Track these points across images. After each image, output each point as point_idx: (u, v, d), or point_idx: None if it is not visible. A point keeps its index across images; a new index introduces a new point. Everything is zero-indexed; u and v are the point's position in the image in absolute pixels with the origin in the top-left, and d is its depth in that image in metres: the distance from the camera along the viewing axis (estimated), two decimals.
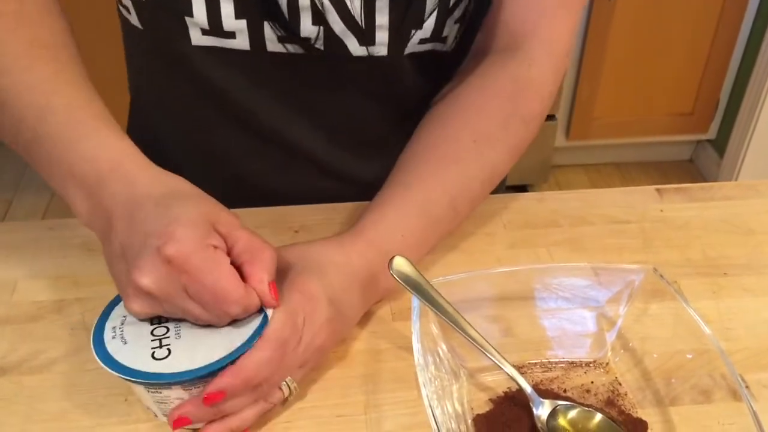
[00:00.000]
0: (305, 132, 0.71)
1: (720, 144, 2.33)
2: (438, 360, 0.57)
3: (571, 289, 0.60)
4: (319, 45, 0.63)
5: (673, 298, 0.57)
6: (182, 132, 0.62)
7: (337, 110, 0.71)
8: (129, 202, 0.49)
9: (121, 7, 0.67)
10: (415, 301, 0.56)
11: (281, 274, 0.54)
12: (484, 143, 0.64)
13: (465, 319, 0.56)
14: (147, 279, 0.46)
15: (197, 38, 0.62)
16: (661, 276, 0.58)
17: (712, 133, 2.33)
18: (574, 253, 0.69)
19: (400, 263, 0.56)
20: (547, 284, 0.60)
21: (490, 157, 0.64)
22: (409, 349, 0.60)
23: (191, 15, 0.60)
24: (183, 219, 0.47)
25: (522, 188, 2.32)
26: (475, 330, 0.56)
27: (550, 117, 2.17)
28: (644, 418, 0.55)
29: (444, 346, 0.58)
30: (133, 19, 0.65)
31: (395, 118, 0.72)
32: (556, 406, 0.55)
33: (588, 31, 2.05)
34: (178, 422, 0.50)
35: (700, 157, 2.43)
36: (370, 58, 0.64)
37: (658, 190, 0.77)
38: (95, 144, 0.51)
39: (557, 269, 0.61)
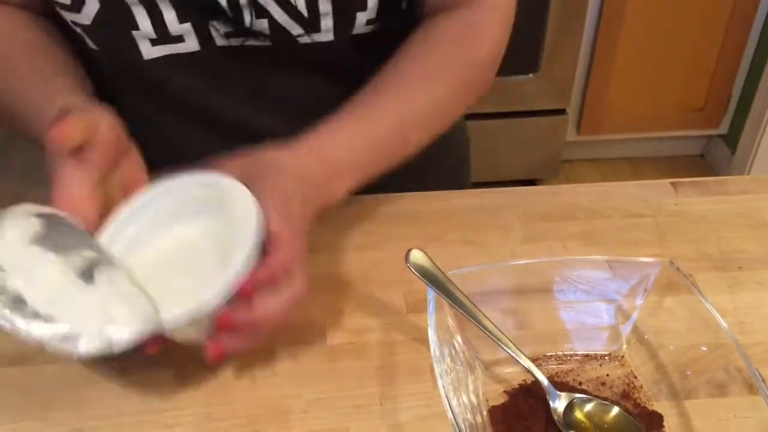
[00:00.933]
0: (267, 121, 0.72)
1: (732, 139, 2.32)
2: (453, 352, 0.57)
3: (586, 282, 0.60)
4: (265, 38, 0.64)
5: (688, 291, 0.57)
6: (149, 139, 0.63)
7: (295, 95, 0.72)
8: None
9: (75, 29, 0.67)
10: (431, 294, 0.56)
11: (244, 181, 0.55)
12: (432, 79, 0.66)
13: (481, 312, 0.56)
14: None
15: (148, 51, 0.64)
16: (678, 269, 0.58)
17: (723, 128, 2.32)
18: (589, 247, 0.69)
19: (417, 256, 0.57)
20: (562, 277, 0.60)
21: (438, 92, 0.67)
22: (424, 341, 0.60)
23: (137, 28, 0.62)
24: None
25: (531, 183, 2.32)
26: (491, 322, 0.56)
27: (561, 111, 2.17)
28: (659, 411, 0.55)
29: (459, 339, 0.58)
30: (89, 42, 0.65)
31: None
32: (572, 399, 0.55)
33: (600, 24, 2.05)
34: (219, 352, 0.52)
35: (711, 152, 2.42)
36: (318, 44, 0.65)
37: (673, 183, 0.77)
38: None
39: (572, 262, 0.61)
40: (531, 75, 2.06)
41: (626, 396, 0.57)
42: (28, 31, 0.66)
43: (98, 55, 0.66)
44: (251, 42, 0.65)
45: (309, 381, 0.58)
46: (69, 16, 0.62)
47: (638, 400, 0.56)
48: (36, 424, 0.54)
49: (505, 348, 0.56)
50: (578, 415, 0.54)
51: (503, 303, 0.61)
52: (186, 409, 0.55)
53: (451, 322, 0.58)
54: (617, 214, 0.73)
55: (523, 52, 2.01)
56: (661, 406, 0.56)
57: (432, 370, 0.58)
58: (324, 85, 0.72)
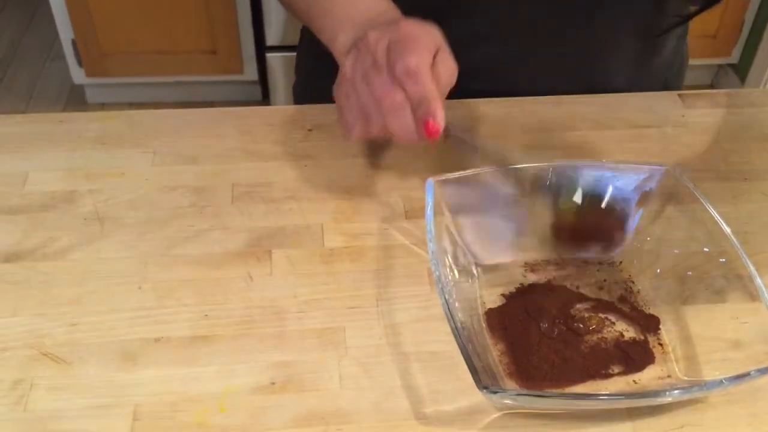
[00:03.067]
0: None
1: (742, 69, 2.27)
2: (451, 258, 0.57)
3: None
4: None
5: (690, 200, 0.56)
6: None
7: None
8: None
9: None
10: (429, 197, 0.55)
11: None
12: None
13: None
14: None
15: None
16: (680, 175, 0.57)
17: (734, 57, 2.27)
18: (592, 156, 0.68)
19: None
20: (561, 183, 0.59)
21: None
22: (421, 245, 0.60)
23: None
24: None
25: None
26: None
27: None
28: (656, 315, 0.55)
29: (459, 241, 0.58)
30: None
31: None
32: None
33: None
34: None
35: (721, 82, 2.38)
36: None
37: (680, 95, 0.75)
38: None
39: (572, 167, 0.60)
40: None
41: (623, 300, 0.56)
42: None
43: None
44: None
45: (305, 282, 0.57)
46: None
47: (635, 304, 0.56)
48: (31, 320, 0.54)
49: None
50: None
51: (503, 208, 0.60)
52: (181, 307, 0.55)
53: (449, 228, 0.58)
54: (622, 124, 0.72)
55: None
56: (658, 310, 0.56)
57: (429, 273, 0.58)
58: None
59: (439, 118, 0.51)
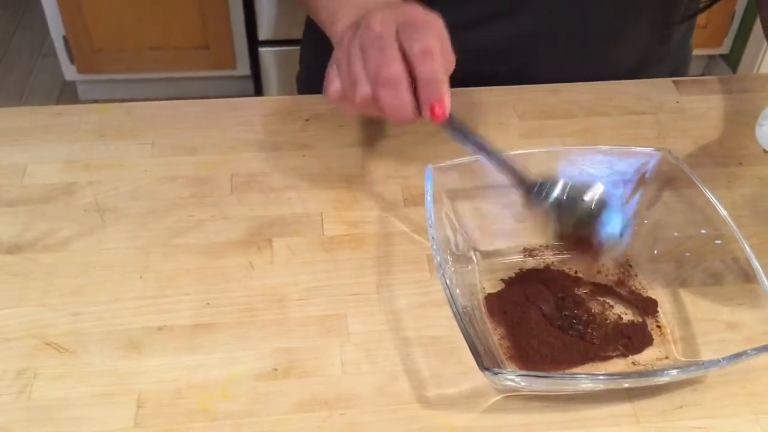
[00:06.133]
0: None
1: (733, 59, 2.29)
2: (451, 244, 0.57)
3: (581, 173, 0.60)
4: None
5: (687, 185, 0.57)
6: None
7: None
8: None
9: None
10: (428, 184, 0.55)
11: None
12: None
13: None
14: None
15: None
16: (676, 158, 0.57)
17: (725, 47, 2.28)
18: (589, 143, 0.69)
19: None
20: (558, 167, 0.60)
21: None
22: (421, 233, 0.60)
23: None
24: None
25: None
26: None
27: None
28: (654, 298, 0.56)
29: (458, 228, 0.58)
30: None
31: None
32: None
33: None
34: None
35: (712, 72, 2.39)
36: None
37: (675, 82, 0.76)
38: None
39: (570, 152, 0.60)
40: None
41: (621, 283, 0.57)
42: None
43: None
44: None
45: (306, 270, 0.58)
46: None
47: (633, 287, 0.57)
48: (34, 310, 0.54)
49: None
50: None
51: (501, 196, 0.60)
52: (183, 296, 0.56)
53: (448, 213, 0.58)
54: (617, 111, 0.72)
55: None
56: (656, 293, 0.56)
57: (429, 259, 0.59)
58: None
59: (447, 102, 0.51)
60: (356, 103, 0.52)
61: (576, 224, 0.54)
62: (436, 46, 0.51)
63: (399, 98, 0.51)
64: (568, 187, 0.54)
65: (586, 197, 0.55)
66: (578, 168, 0.58)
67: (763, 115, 0.60)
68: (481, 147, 0.54)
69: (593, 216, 0.55)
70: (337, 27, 0.58)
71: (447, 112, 0.51)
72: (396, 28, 0.52)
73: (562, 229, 0.54)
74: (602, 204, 0.55)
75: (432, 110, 0.51)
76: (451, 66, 0.53)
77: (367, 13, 0.53)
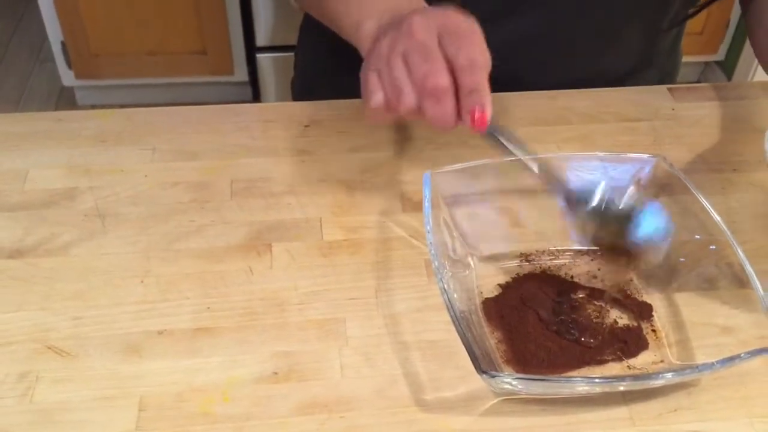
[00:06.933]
0: None
1: (729, 66, 2.30)
2: (448, 249, 0.58)
3: (578, 179, 0.61)
4: None
5: (682, 191, 0.58)
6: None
7: None
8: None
9: None
10: (427, 189, 0.56)
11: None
12: None
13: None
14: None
15: None
16: (671, 165, 0.58)
17: (721, 54, 2.30)
18: (585, 150, 0.69)
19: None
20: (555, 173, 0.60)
21: None
22: (419, 238, 0.61)
23: None
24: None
25: None
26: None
27: None
28: (649, 303, 0.56)
29: (456, 233, 0.59)
30: None
31: None
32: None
33: None
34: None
35: (708, 79, 2.40)
36: None
37: (670, 89, 0.77)
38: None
39: (567, 158, 0.61)
40: None
41: (617, 288, 0.58)
42: None
43: None
44: None
45: (306, 274, 0.58)
46: None
47: (628, 292, 0.57)
48: (36, 314, 0.55)
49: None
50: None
51: (498, 201, 0.61)
52: (184, 300, 0.56)
53: (446, 219, 0.59)
54: (613, 118, 0.73)
55: None
56: (651, 298, 0.57)
57: (426, 264, 0.59)
58: None
59: (488, 112, 0.51)
60: (400, 112, 0.52)
61: (615, 231, 0.55)
62: (480, 56, 0.51)
63: (443, 107, 0.51)
64: (607, 193, 0.55)
65: (625, 204, 0.55)
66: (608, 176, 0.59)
67: None
68: (522, 152, 0.54)
69: (632, 222, 0.55)
70: (364, 32, 0.57)
71: (488, 121, 0.51)
72: (437, 34, 0.51)
73: (602, 235, 0.55)
74: (641, 211, 0.55)
75: (473, 119, 0.51)
76: (488, 71, 0.53)
77: (406, 19, 0.53)
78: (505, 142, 0.54)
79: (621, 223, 0.55)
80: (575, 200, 0.54)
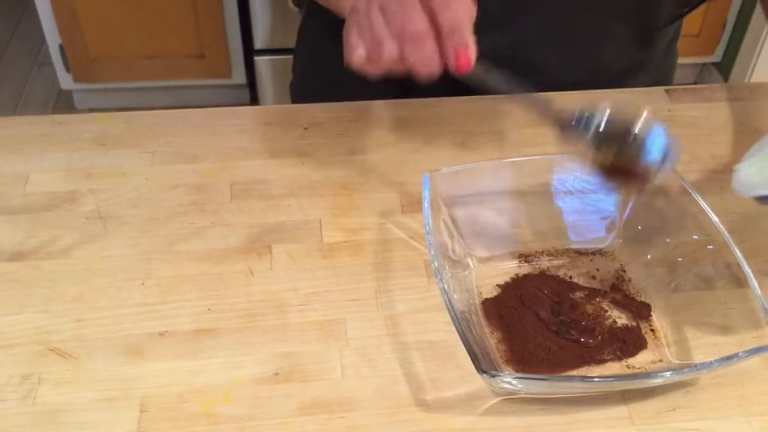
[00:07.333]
0: None
1: (725, 67, 2.31)
2: (448, 250, 0.58)
3: (576, 180, 0.61)
4: None
5: (679, 192, 0.58)
6: None
7: None
8: None
9: None
10: (426, 191, 0.56)
11: None
12: None
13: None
14: None
15: None
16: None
17: (717, 56, 2.31)
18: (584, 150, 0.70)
19: None
20: (555, 174, 0.61)
21: None
22: (419, 239, 0.61)
23: None
24: None
25: None
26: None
27: None
28: (647, 302, 0.57)
29: (455, 234, 0.59)
30: None
31: None
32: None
33: None
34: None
35: (705, 80, 2.41)
36: None
37: (666, 90, 0.77)
38: None
39: (565, 160, 0.61)
40: None
41: (615, 288, 0.58)
42: None
43: None
44: None
45: (306, 276, 0.59)
46: None
47: (627, 292, 0.58)
48: (38, 317, 0.55)
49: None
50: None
51: (497, 202, 0.62)
52: (185, 302, 0.57)
53: (445, 220, 0.59)
54: None
55: None
56: (649, 298, 0.57)
57: (426, 265, 0.60)
58: None
59: (472, 49, 0.50)
60: (382, 64, 0.51)
61: (617, 153, 0.53)
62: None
63: (424, 52, 0.50)
64: (606, 115, 0.54)
65: (626, 125, 0.53)
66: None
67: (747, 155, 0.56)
68: (514, 89, 0.54)
69: (635, 143, 0.53)
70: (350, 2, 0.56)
71: (473, 60, 0.50)
72: None
73: (604, 159, 0.53)
74: (644, 130, 0.54)
75: (457, 59, 0.50)
76: (473, 13, 0.52)
77: None
78: (493, 82, 0.53)
79: (622, 142, 0.54)
80: (571, 127, 0.53)
